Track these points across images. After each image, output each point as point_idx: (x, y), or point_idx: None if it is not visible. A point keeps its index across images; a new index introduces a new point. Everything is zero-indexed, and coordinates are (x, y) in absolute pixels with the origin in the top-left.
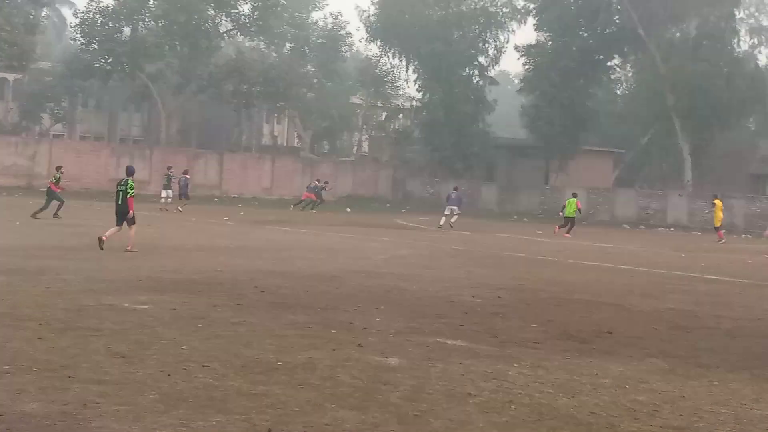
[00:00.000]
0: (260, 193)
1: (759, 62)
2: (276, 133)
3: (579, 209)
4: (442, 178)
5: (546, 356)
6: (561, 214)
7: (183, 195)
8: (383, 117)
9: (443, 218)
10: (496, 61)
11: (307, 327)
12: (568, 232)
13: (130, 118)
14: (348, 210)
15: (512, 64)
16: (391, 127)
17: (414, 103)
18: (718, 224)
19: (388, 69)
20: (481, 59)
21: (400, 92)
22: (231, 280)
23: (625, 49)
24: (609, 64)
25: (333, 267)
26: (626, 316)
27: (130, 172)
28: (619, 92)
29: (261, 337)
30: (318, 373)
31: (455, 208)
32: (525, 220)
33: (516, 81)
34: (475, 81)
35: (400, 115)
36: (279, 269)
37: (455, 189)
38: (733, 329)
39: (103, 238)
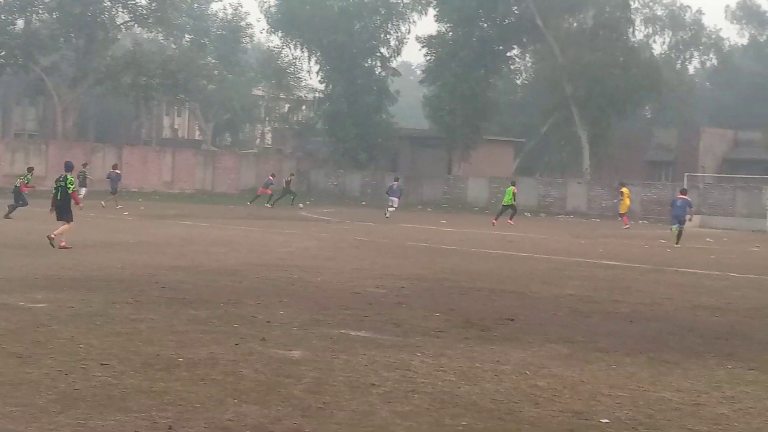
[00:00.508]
0: (161, 187)
1: (653, 51)
2: (176, 126)
3: (515, 195)
4: (346, 170)
5: (449, 344)
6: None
7: (113, 190)
8: (286, 109)
9: (388, 209)
10: (397, 52)
11: (209, 322)
12: (510, 219)
13: (25, 112)
14: (302, 206)
15: (414, 55)
16: (294, 118)
17: (317, 94)
18: (624, 210)
19: (290, 60)
20: (383, 50)
21: (303, 84)
22: (131, 276)
23: (524, 40)
24: (508, 54)
25: (236, 261)
26: (528, 303)
27: (68, 167)
28: (518, 82)
29: (161, 333)
30: (220, 368)
31: (395, 199)
32: (429, 209)
33: (418, 72)
34: (377, 72)
35: (303, 107)
36: (180, 264)
37: (396, 180)
38: (630, 313)
39: (52, 236)
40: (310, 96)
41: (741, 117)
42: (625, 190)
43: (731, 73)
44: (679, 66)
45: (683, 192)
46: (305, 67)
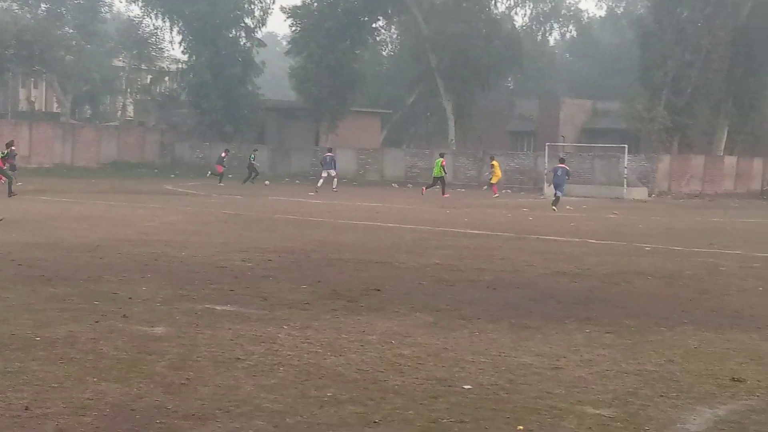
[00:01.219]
0: (17, 162)
1: (515, 23)
2: (33, 99)
3: (444, 167)
4: (211, 142)
5: (315, 316)
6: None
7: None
8: (148, 80)
9: (321, 180)
10: (262, 22)
11: (68, 299)
12: (444, 193)
13: None
14: (267, 183)
15: (279, 26)
16: (157, 90)
17: (180, 65)
18: (495, 181)
19: (151, 30)
20: (248, 21)
21: (166, 54)
22: None
23: (389, 11)
24: (374, 26)
25: (97, 236)
26: (394, 273)
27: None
28: (384, 54)
29: (18, 312)
30: (79, 346)
31: (332, 171)
32: (297, 181)
33: (284, 43)
34: (242, 43)
35: (166, 78)
36: (38, 241)
37: (329, 151)
38: (493, 281)
39: None
40: (174, 67)
41: (599, 88)
42: (495, 162)
43: (590, 44)
44: (539, 38)
45: (562, 161)
46: (167, 37)
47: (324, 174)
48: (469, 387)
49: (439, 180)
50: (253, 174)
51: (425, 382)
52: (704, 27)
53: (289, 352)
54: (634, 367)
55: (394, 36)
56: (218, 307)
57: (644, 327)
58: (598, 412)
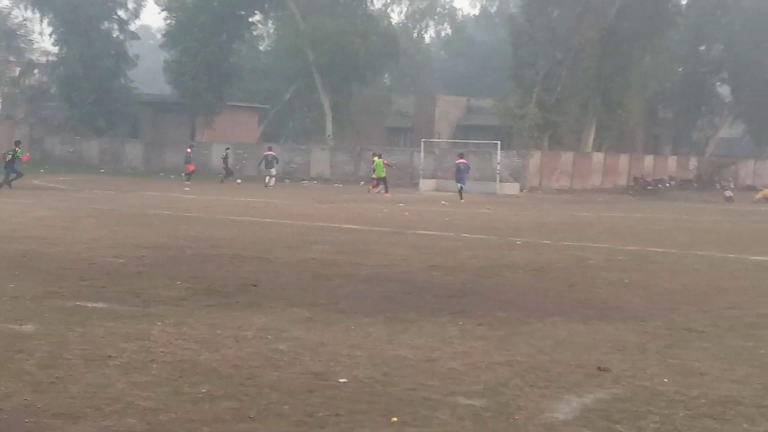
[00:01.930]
0: None
1: (392, 20)
2: None
3: (387, 165)
4: (83, 136)
5: (190, 313)
6: (374, 175)
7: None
8: (17, 72)
9: (268, 178)
10: (136, 14)
11: None
12: (387, 191)
13: None
14: (239, 181)
15: (154, 19)
16: (26, 83)
17: (50, 57)
18: (382, 175)
19: (20, 22)
20: (121, 13)
21: (35, 46)
22: None
23: (266, 6)
24: (251, 20)
25: None
26: (271, 269)
27: None
28: (262, 48)
29: None
30: None
31: (272, 169)
32: (172, 176)
33: (158, 36)
34: (115, 35)
35: (36, 71)
36: None
37: (270, 150)
38: (370, 275)
39: None
40: (44, 59)
41: (473, 85)
42: (378, 160)
43: (464, 42)
44: (416, 35)
45: (461, 156)
46: (37, 29)
47: (272, 172)
48: (344, 380)
49: (382, 179)
50: (228, 172)
51: (301, 376)
52: (574, 26)
53: (162, 349)
54: (505, 358)
55: (272, 31)
56: (90, 304)
57: (515, 319)
58: (470, 402)
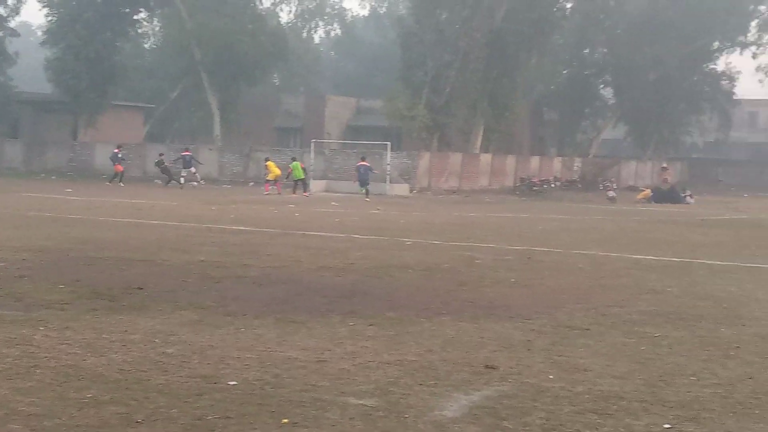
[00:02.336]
0: None
1: (280, 20)
2: None
3: (304, 169)
4: None
5: (74, 317)
6: (287, 179)
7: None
8: None
9: (182, 179)
10: (16, 11)
11: None
12: (305, 191)
13: None
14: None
15: (35, 15)
16: None
17: None
18: (271, 178)
19: None
20: (0, 9)
21: None
22: None
23: (151, 3)
24: (136, 17)
25: None
26: (157, 271)
27: None
28: (147, 46)
29: None
30: None
31: (192, 168)
32: (53, 177)
33: (39, 33)
34: None
35: None
36: None
37: (187, 151)
38: (259, 277)
39: None
40: None
41: (363, 86)
42: (269, 163)
43: (354, 43)
44: (305, 35)
45: (363, 159)
46: None
47: (184, 173)
48: (234, 383)
49: (301, 181)
50: (168, 176)
51: (190, 379)
52: (462, 29)
53: (46, 354)
54: (395, 357)
55: (157, 29)
56: None
57: (405, 318)
58: (361, 402)
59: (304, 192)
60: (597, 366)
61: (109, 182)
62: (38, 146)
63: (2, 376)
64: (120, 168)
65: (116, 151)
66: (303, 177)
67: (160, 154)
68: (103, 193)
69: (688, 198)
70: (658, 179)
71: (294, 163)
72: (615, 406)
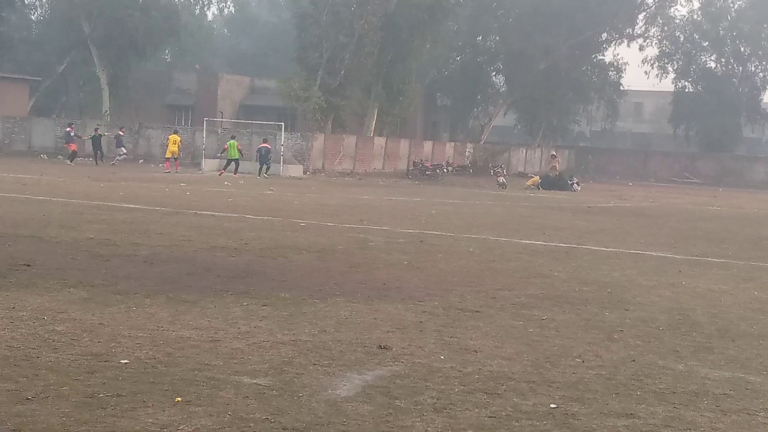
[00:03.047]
0: None
1: None
2: None
3: (240, 150)
4: None
5: None
6: (220, 155)
7: None
8: None
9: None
10: None
11: None
12: (235, 173)
13: None
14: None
15: None
16: None
17: None
18: (168, 156)
19: None
20: None
21: None
22: None
23: None
24: None
25: None
26: (45, 248)
27: None
28: (33, 18)
29: None
30: None
31: (122, 149)
32: None
33: None
34: None
35: None
36: None
37: (121, 130)
38: (150, 256)
39: None
40: None
41: (257, 65)
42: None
43: (248, 21)
44: (197, 11)
45: (265, 141)
46: None
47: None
48: (126, 361)
49: (234, 161)
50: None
51: (80, 357)
52: (357, 11)
53: None
54: (289, 337)
55: (45, 0)
56: None
57: (299, 299)
58: (254, 381)
59: (234, 173)
60: (487, 347)
61: (70, 162)
62: None
63: None
64: (74, 147)
65: (68, 129)
66: (238, 157)
67: (71, 126)
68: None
69: (575, 185)
70: (547, 166)
71: (231, 141)
72: (503, 386)
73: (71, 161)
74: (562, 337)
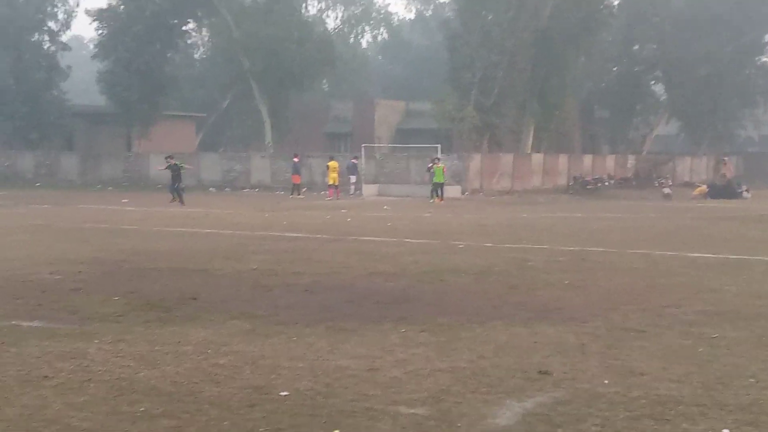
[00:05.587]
0: None
1: (327, 26)
2: None
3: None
4: (16, 150)
5: (128, 329)
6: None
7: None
8: None
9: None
10: (67, 25)
11: None
12: (441, 198)
13: None
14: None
15: (86, 29)
16: None
17: None
18: (331, 182)
19: None
20: (51, 24)
21: None
22: None
23: (199, 14)
24: (184, 28)
25: None
26: (210, 281)
27: None
28: (197, 57)
29: None
30: None
31: (353, 177)
32: (109, 188)
33: (91, 46)
34: (46, 47)
35: None
36: None
37: (354, 159)
38: (311, 284)
39: None
40: None
41: (411, 89)
42: (331, 164)
43: (401, 46)
44: (352, 40)
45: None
46: None
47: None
48: (285, 393)
49: (439, 185)
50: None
51: (241, 391)
52: (508, 29)
53: (100, 368)
54: (447, 364)
55: (206, 39)
56: (24, 324)
57: (457, 324)
58: (412, 411)
59: (440, 198)
60: (653, 369)
61: (299, 194)
62: (93, 158)
63: (56, 391)
64: (297, 179)
65: (296, 160)
66: (442, 181)
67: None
68: (158, 203)
69: (744, 193)
70: (714, 174)
71: (438, 166)
72: (672, 411)
73: (299, 194)
74: (734, 356)
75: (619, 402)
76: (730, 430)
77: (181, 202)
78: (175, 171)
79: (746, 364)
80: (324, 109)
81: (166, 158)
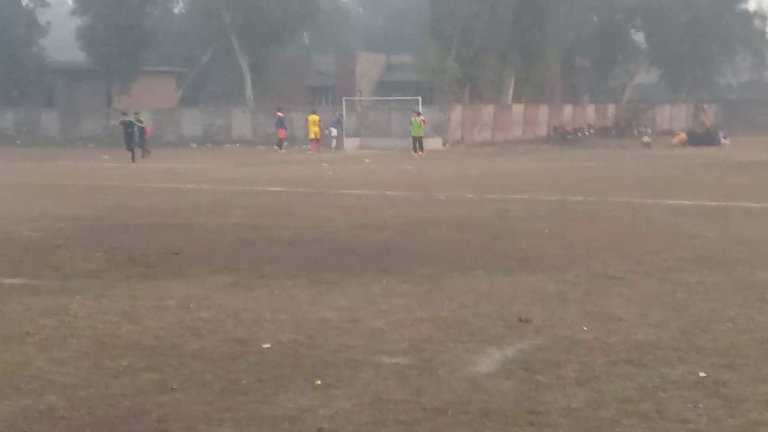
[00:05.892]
0: None
1: None
2: None
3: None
4: None
5: (110, 285)
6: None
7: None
8: None
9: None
10: None
11: None
12: (416, 151)
13: None
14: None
15: None
16: None
17: None
18: (312, 136)
19: None
20: None
21: None
22: None
23: None
24: None
25: None
26: (193, 236)
27: None
28: (176, 11)
29: None
30: None
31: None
32: (90, 145)
33: (70, 2)
34: (24, 3)
35: None
36: None
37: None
38: (293, 238)
39: None
40: None
41: (392, 41)
42: (311, 117)
43: None
44: None
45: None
46: None
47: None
48: (268, 346)
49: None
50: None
51: (224, 344)
52: None
53: (82, 323)
54: (428, 314)
55: None
56: (6, 281)
57: (438, 274)
58: (394, 360)
59: (415, 152)
60: (631, 315)
61: (279, 148)
62: (74, 115)
63: (39, 347)
64: (282, 133)
65: (280, 114)
66: (420, 135)
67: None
68: (140, 159)
69: (723, 139)
70: (694, 122)
71: (416, 119)
72: (650, 356)
73: (280, 147)
74: (712, 301)
75: (597, 348)
76: (708, 373)
77: (133, 159)
78: (129, 128)
79: (723, 308)
80: (305, 63)
81: (120, 115)
